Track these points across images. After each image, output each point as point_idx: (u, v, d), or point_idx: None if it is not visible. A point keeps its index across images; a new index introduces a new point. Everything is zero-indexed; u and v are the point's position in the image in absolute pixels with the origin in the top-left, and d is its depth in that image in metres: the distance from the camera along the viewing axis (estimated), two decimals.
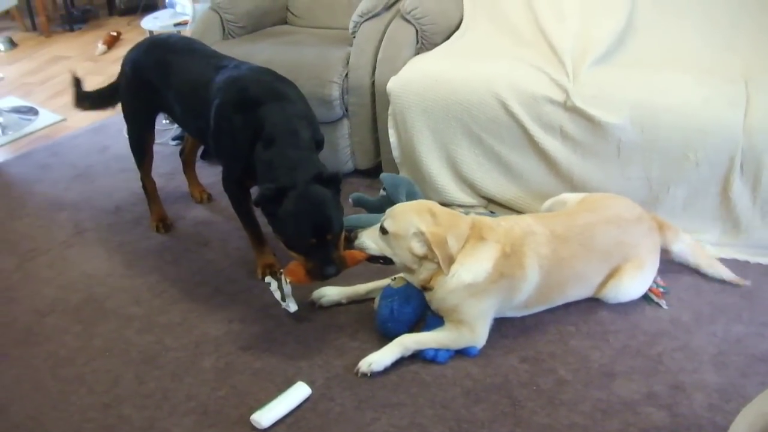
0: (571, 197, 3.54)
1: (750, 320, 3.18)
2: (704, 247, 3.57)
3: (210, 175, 4.42)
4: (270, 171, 3.14)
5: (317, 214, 3.06)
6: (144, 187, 4.15)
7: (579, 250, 3.14)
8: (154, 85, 3.74)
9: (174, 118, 3.95)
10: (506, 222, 3.14)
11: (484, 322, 3.06)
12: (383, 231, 3.02)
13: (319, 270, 3.08)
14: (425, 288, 3.07)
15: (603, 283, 3.25)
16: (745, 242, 3.62)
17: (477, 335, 3.04)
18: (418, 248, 2.96)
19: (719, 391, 2.81)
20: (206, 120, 3.44)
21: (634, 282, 3.24)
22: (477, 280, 2.97)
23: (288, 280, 3.17)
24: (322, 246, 3.08)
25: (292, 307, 3.20)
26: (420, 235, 2.94)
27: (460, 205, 4.02)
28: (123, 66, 3.92)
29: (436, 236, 2.92)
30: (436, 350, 3.01)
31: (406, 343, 3.01)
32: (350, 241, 3.16)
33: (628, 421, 2.69)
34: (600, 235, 3.19)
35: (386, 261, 3.09)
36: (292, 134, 3.23)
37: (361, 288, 3.39)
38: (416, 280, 3.08)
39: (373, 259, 3.12)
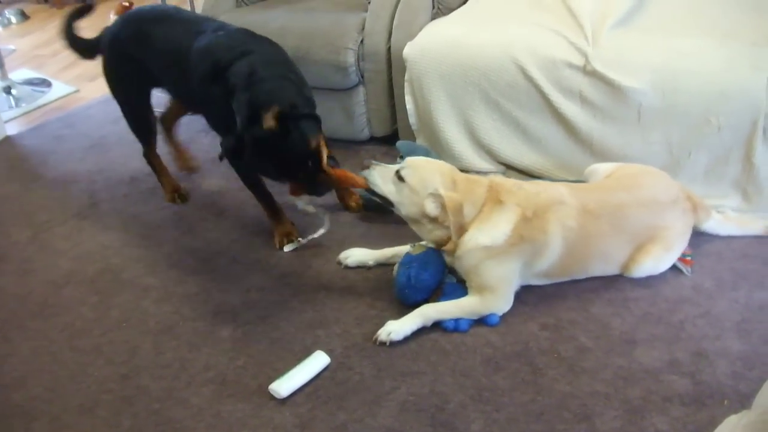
0: (602, 167, 3.50)
1: None
2: (728, 213, 3.52)
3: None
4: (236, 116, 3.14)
5: (297, 147, 3.05)
6: (150, 163, 4.11)
7: (608, 229, 3.11)
8: (138, 59, 3.66)
9: (168, 92, 3.90)
10: (533, 187, 3.12)
11: (507, 286, 3.04)
12: (399, 178, 3.01)
13: (310, 189, 3.18)
14: (445, 250, 3.06)
15: (627, 261, 3.21)
16: (766, 208, 3.56)
17: (500, 300, 3.03)
18: (432, 209, 2.96)
19: (742, 358, 2.78)
20: (194, 92, 3.43)
21: (660, 263, 3.21)
22: (496, 242, 2.96)
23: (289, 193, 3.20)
24: (307, 171, 3.10)
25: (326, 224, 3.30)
26: (437, 197, 2.93)
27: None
28: (102, 47, 3.83)
29: (453, 202, 2.92)
30: (456, 321, 2.99)
31: (427, 313, 3.00)
32: None
33: (650, 389, 2.67)
34: (632, 218, 3.15)
35: (385, 203, 3.10)
36: (250, 75, 3.18)
37: (387, 251, 3.38)
38: (426, 237, 3.09)
39: (371, 193, 3.13)
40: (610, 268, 3.23)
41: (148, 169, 4.35)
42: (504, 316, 3.03)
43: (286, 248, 3.50)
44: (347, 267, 3.40)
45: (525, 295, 3.11)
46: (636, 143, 3.64)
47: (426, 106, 4.00)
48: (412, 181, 2.98)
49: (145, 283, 3.43)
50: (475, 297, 3.03)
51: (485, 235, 2.97)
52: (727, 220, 3.46)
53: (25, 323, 3.25)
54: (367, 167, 3.11)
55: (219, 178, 3.91)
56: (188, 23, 3.61)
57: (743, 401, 2.57)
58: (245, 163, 3.17)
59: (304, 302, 3.21)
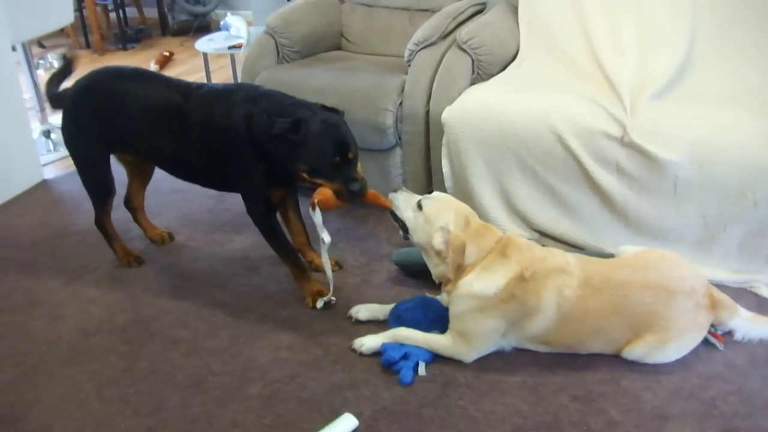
0: (629, 248, 3.44)
1: None
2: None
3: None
4: (274, 113, 3.27)
5: (338, 133, 3.25)
6: (102, 229, 4.03)
7: (607, 306, 3.03)
8: (104, 117, 3.64)
9: (141, 153, 3.82)
10: (541, 251, 3.16)
11: (483, 342, 3.11)
12: (419, 206, 3.18)
13: (345, 188, 3.24)
14: (446, 290, 3.20)
15: (624, 344, 3.11)
16: None
17: (471, 352, 3.13)
18: (438, 242, 3.09)
19: None
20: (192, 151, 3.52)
21: (652, 352, 3.08)
22: (485, 293, 3.02)
23: (317, 200, 3.25)
24: (345, 165, 3.24)
25: (326, 237, 3.33)
26: (446, 232, 3.07)
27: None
28: (65, 105, 3.81)
29: (457, 240, 3.05)
30: (402, 360, 3.09)
31: (397, 334, 3.18)
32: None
33: None
34: (633, 298, 3.04)
35: (403, 228, 3.28)
36: (272, 93, 3.47)
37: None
38: (432, 270, 3.25)
39: (393, 216, 3.32)
40: (608, 348, 3.14)
41: (182, 220, 4.40)
42: (534, 386, 3.01)
43: (318, 304, 3.51)
44: (358, 321, 3.44)
45: (555, 365, 3.10)
46: (671, 215, 3.63)
47: (462, 171, 4.02)
48: (428, 212, 3.15)
49: (175, 336, 3.43)
50: (448, 338, 3.15)
51: (479, 283, 3.04)
52: (759, 321, 3.26)
53: (54, 369, 3.26)
54: (395, 190, 3.32)
55: (252, 234, 3.92)
56: (165, 80, 3.68)
57: None
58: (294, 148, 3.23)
59: (334, 363, 3.20)
